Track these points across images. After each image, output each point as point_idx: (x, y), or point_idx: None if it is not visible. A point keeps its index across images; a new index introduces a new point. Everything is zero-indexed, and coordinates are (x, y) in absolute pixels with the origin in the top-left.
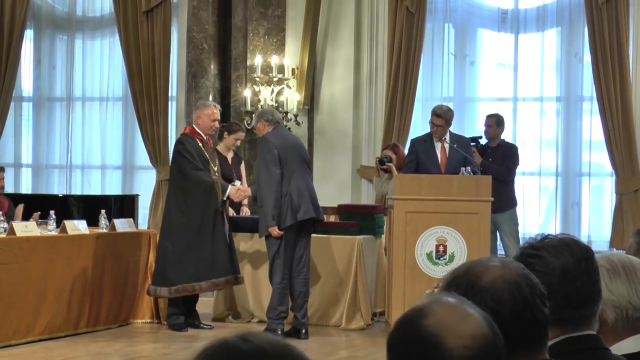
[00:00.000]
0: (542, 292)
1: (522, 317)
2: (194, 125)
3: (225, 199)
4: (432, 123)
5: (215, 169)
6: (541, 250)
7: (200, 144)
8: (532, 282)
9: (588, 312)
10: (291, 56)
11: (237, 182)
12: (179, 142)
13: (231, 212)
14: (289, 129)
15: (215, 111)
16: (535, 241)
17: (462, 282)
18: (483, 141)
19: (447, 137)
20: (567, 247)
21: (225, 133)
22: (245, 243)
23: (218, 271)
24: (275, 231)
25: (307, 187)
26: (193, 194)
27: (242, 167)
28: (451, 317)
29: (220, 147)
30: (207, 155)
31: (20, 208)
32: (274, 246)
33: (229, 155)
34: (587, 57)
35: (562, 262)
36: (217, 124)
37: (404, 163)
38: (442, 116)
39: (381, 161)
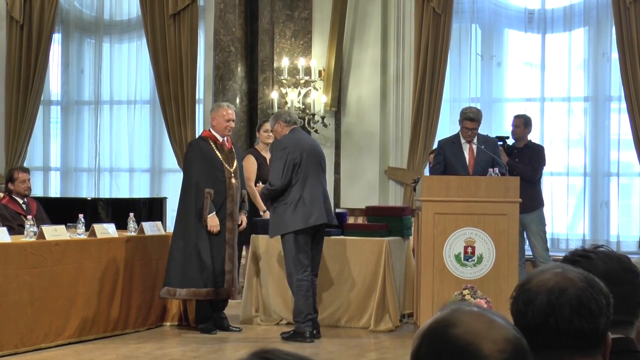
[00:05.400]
0: (590, 309)
1: (545, 324)
2: (210, 129)
3: (204, 218)
4: (464, 127)
5: (232, 169)
6: (591, 254)
7: (213, 146)
8: (579, 296)
9: (624, 318)
10: (318, 58)
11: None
12: (188, 145)
13: (243, 219)
14: (316, 130)
15: (230, 112)
16: (590, 248)
17: (522, 280)
18: (510, 141)
19: (475, 138)
20: (618, 258)
21: (257, 133)
22: (270, 245)
23: (203, 280)
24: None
25: (322, 192)
26: (187, 199)
27: None
28: (480, 324)
29: (259, 147)
30: (220, 157)
31: None
32: (291, 249)
33: (268, 156)
34: (615, 57)
35: (609, 267)
36: (232, 124)
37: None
38: (475, 119)
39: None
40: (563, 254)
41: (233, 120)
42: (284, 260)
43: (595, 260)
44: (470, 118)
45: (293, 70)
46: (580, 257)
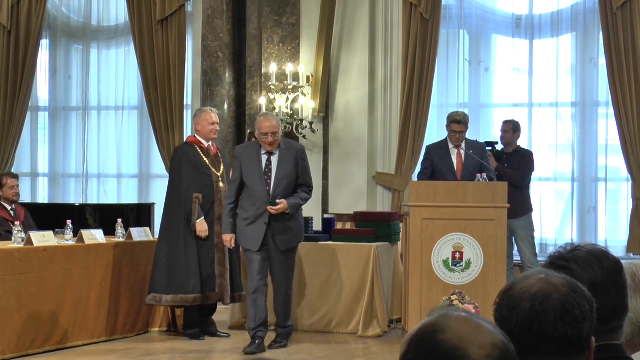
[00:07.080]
0: (573, 314)
1: (529, 330)
2: (194, 134)
3: (193, 223)
4: (452, 131)
5: (219, 173)
6: (571, 263)
7: (199, 151)
8: (563, 301)
9: (614, 325)
10: (306, 64)
11: None
12: (174, 151)
13: None
14: (304, 136)
15: (214, 115)
16: (566, 251)
17: (505, 286)
18: (499, 147)
19: (463, 143)
20: (598, 260)
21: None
22: None
23: (190, 287)
24: None
25: None
26: (174, 205)
27: None
28: (467, 329)
29: None
30: (207, 161)
31: None
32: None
33: None
34: (602, 62)
35: (592, 276)
36: (216, 127)
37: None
38: (462, 122)
39: None
40: None
41: (217, 123)
42: (291, 268)
43: (578, 272)
44: (457, 121)
45: (281, 76)
46: (561, 270)
